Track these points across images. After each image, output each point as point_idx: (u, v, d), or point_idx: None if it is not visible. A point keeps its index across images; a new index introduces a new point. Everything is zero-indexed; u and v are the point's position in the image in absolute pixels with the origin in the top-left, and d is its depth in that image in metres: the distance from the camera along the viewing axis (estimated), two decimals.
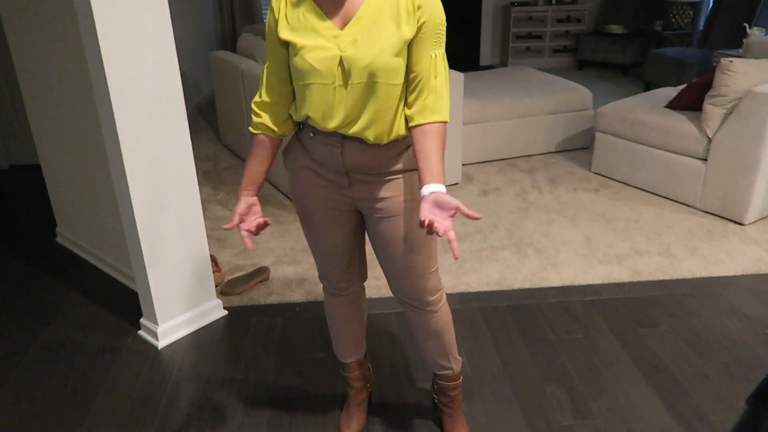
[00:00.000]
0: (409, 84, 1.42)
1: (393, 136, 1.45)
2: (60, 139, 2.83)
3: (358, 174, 1.50)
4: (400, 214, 1.52)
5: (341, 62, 1.36)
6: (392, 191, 1.51)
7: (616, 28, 6.50)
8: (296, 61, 1.40)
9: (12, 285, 2.84)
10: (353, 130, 1.42)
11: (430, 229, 1.26)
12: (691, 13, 5.95)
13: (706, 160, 3.30)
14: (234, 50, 6.36)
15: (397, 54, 1.36)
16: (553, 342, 2.34)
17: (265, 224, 1.54)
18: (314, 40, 1.37)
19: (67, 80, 2.58)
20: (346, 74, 1.37)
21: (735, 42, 5.18)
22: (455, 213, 1.29)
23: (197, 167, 4.17)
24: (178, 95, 2.15)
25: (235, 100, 4.08)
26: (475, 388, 2.11)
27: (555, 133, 4.26)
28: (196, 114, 5.49)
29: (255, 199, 1.56)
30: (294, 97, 1.52)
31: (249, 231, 1.53)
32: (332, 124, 1.43)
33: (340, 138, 1.46)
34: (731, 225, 3.21)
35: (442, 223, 1.27)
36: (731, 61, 3.14)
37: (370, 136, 1.43)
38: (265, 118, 1.52)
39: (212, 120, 5.27)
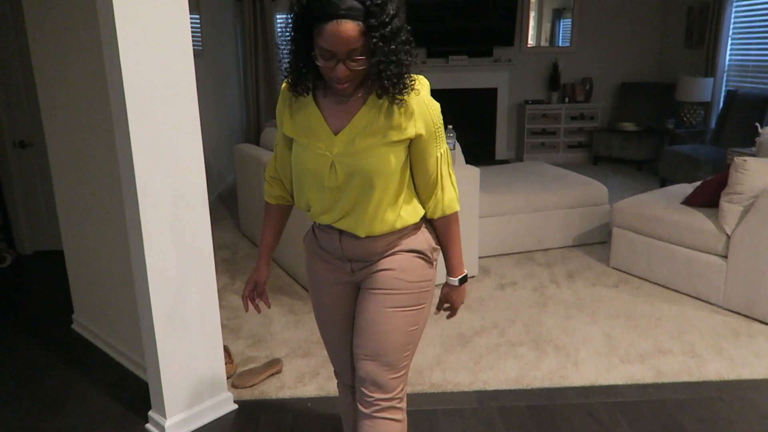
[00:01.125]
0: (417, 183, 1.52)
1: (387, 229, 1.49)
2: (85, 225, 2.91)
3: (359, 261, 1.57)
4: (389, 289, 1.52)
5: (333, 165, 1.44)
6: (390, 264, 1.53)
7: (629, 126, 6.67)
8: (293, 157, 1.52)
9: (24, 371, 2.82)
10: (344, 226, 1.50)
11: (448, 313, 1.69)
12: (702, 112, 6.10)
13: (726, 257, 3.26)
14: (257, 143, 6.61)
15: (390, 158, 1.42)
16: None
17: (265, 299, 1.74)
18: (311, 140, 1.46)
19: (96, 169, 2.69)
20: (338, 176, 1.44)
21: (747, 140, 5.27)
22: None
23: (215, 255, 4.22)
24: (202, 186, 2.22)
25: (256, 191, 4.19)
26: None
27: (571, 227, 4.28)
28: (218, 203, 5.62)
29: (266, 273, 1.71)
30: None
31: (257, 306, 1.72)
32: (326, 219, 1.52)
33: (337, 231, 1.54)
34: (757, 324, 3.12)
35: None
36: (745, 161, 3.18)
37: (360, 233, 1.49)
38: (279, 189, 1.66)
39: (233, 209, 5.38)
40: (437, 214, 1.56)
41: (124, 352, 2.85)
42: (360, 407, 1.57)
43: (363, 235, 1.50)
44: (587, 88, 7.09)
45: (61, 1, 2.61)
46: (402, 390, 1.57)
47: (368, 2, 1.27)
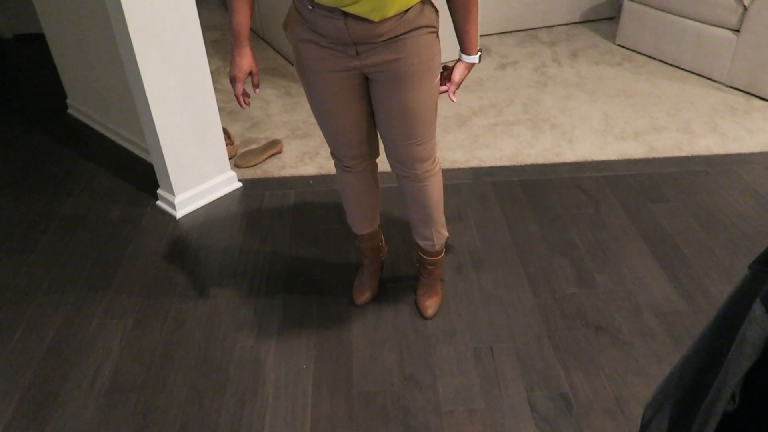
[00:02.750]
0: None
1: (398, 8, 1.37)
2: (63, 7, 2.72)
3: (366, 43, 1.43)
4: (406, 77, 1.48)
5: None
6: (400, 53, 1.45)
7: None
8: None
9: (26, 157, 2.88)
10: (355, 10, 1.33)
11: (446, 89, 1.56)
12: None
13: (738, 31, 3.12)
14: None
15: None
16: (562, 216, 2.38)
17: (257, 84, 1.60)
18: None
19: None
20: None
21: None
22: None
23: (204, 37, 4.04)
24: None
25: None
26: (484, 258, 2.18)
27: (580, 1, 4.02)
28: None
29: (250, 57, 1.56)
30: None
31: (247, 93, 1.60)
32: (334, 2, 1.33)
33: (342, 14, 1.36)
34: (756, 101, 3.11)
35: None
36: None
37: (374, 18, 1.35)
38: None
39: None
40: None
41: (125, 135, 2.88)
42: (407, 181, 1.70)
43: (377, 20, 1.36)
44: None
45: None
46: (435, 156, 1.70)
47: None
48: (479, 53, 1.58)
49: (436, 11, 1.49)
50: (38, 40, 4.08)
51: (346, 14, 1.36)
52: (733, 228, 2.29)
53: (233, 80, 1.56)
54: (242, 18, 1.50)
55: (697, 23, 3.29)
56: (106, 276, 2.16)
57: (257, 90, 1.61)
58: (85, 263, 2.22)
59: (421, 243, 1.88)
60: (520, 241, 2.26)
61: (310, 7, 1.40)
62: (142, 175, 2.69)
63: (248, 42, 1.55)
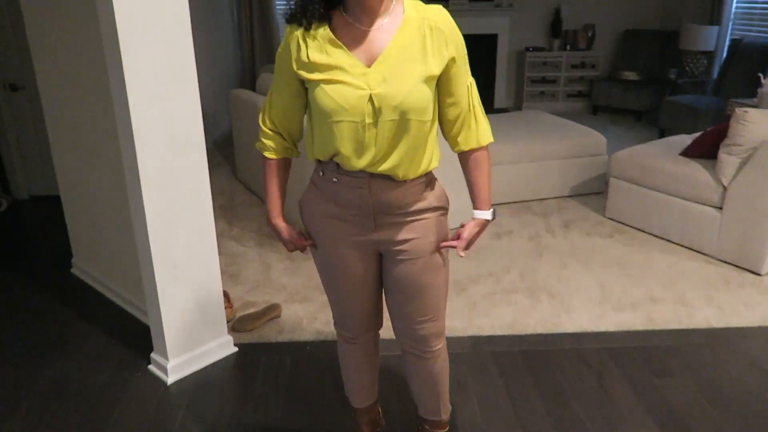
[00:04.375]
0: (448, 115, 1.46)
1: (421, 171, 1.46)
2: (81, 170, 2.89)
3: (385, 214, 1.48)
4: (422, 257, 1.52)
5: (371, 100, 1.34)
6: (417, 233, 1.50)
7: (630, 75, 6.57)
8: (322, 99, 1.36)
9: (25, 314, 2.86)
10: (383, 167, 1.41)
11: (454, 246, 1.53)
12: (705, 61, 6.00)
13: (721, 208, 3.28)
14: (253, 88, 6.49)
15: (428, 91, 1.38)
16: (566, 390, 2.30)
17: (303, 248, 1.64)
18: (341, 77, 1.34)
19: (90, 112, 2.65)
20: (376, 112, 1.35)
21: (749, 91, 5.21)
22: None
23: (212, 202, 4.22)
24: (199, 130, 2.20)
25: (252, 137, 4.14)
26: None
27: (569, 177, 4.28)
28: (214, 149, 5.58)
29: (285, 225, 1.62)
30: (299, 133, 1.55)
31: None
32: (363, 162, 1.40)
33: (367, 178, 1.43)
34: (748, 275, 3.17)
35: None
36: (746, 111, 3.16)
37: (399, 173, 1.42)
38: (280, 142, 1.55)
39: (229, 156, 5.35)
40: (470, 145, 1.50)
41: (124, 296, 2.89)
42: (418, 359, 1.68)
43: (401, 176, 1.42)
44: (589, 35, 6.94)
45: None
46: (444, 331, 1.69)
47: None
48: (492, 210, 1.55)
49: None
50: (53, 200, 4.25)
51: (371, 180, 1.43)
52: (742, 405, 2.21)
53: (287, 244, 1.63)
54: (279, 197, 1.61)
55: (681, 200, 3.47)
56: None
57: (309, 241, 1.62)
58: (68, 430, 2.11)
59: (428, 417, 1.81)
60: (524, 417, 2.16)
61: (335, 179, 1.46)
62: (137, 337, 2.65)
63: (280, 218, 1.63)
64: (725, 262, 3.31)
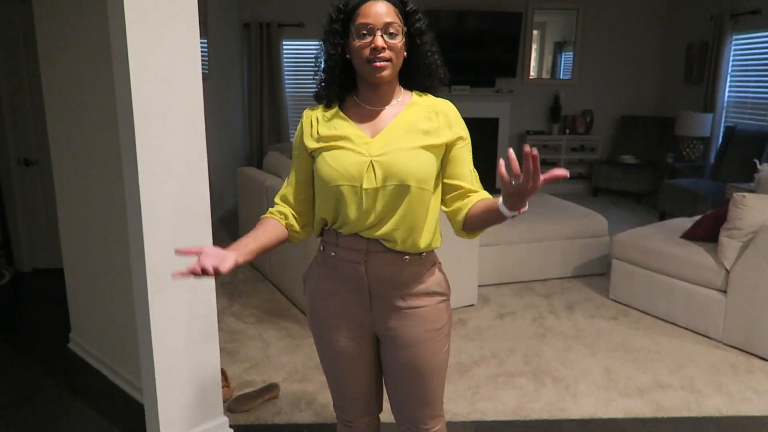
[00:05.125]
0: (450, 194, 1.50)
1: (420, 247, 1.47)
2: (86, 244, 2.91)
3: (381, 292, 1.49)
4: (418, 343, 1.51)
5: (372, 166, 1.41)
6: (413, 319, 1.50)
7: (629, 158, 6.72)
8: (323, 167, 1.44)
9: (20, 389, 2.79)
10: (380, 231, 1.44)
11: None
12: (701, 147, 6.15)
13: (725, 292, 3.26)
14: (260, 167, 6.64)
15: (430, 159, 1.44)
16: None
17: (216, 272, 1.32)
18: (344, 145, 1.44)
19: (100, 188, 2.70)
20: (376, 177, 1.41)
21: (746, 175, 5.30)
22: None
23: (214, 278, 4.21)
24: (205, 208, 2.24)
25: (258, 215, 4.19)
26: None
27: (571, 258, 4.28)
28: (219, 226, 5.63)
29: (232, 254, 1.35)
30: (308, 213, 1.58)
31: (198, 268, 1.32)
32: (361, 224, 1.44)
33: (364, 252, 1.46)
34: (756, 360, 3.11)
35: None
36: (744, 197, 3.21)
37: (397, 238, 1.44)
38: (287, 211, 1.56)
39: (233, 232, 5.39)
40: (474, 200, 1.46)
41: (121, 373, 2.83)
42: None
43: (399, 241, 1.43)
44: (588, 120, 7.16)
45: (72, 22, 2.66)
46: (443, 413, 1.67)
47: None
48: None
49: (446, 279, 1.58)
50: (55, 273, 4.25)
51: (368, 254, 1.46)
52: None
53: (197, 252, 1.36)
54: (251, 241, 1.44)
55: (685, 283, 3.45)
56: None
57: (195, 270, 1.34)
58: None
59: None
60: None
61: (333, 253, 1.50)
62: (131, 415, 2.57)
63: (237, 253, 1.38)
64: (732, 346, 3.25)
